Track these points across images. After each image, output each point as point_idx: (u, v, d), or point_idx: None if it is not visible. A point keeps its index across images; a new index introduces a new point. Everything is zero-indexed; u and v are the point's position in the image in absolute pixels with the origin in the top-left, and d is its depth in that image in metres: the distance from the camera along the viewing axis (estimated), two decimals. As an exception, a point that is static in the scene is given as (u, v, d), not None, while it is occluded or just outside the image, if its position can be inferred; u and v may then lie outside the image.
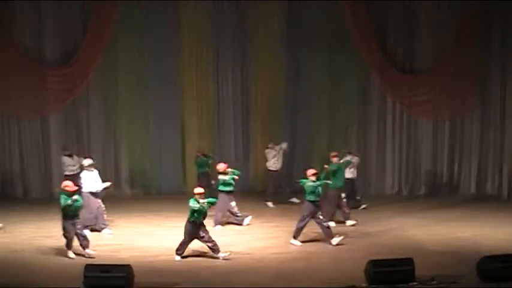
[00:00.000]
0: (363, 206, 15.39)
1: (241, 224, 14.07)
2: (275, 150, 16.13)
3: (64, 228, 11.70)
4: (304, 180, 12.55)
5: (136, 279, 10.17)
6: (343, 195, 14.09)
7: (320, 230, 12.66)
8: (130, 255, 11.81)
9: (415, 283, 10.22)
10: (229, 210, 14.10)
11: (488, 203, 16.29)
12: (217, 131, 17.80)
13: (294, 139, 17.63)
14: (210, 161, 16.10)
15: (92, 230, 13.18)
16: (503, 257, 10.50)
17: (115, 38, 16.90)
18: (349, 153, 15.41)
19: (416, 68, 17.31)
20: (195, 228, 11.61)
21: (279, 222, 14.40)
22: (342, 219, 14.08)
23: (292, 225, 13.46)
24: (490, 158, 17.41)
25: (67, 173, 15.09)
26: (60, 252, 11.89)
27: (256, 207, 15.68)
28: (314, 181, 12.45)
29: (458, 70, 16.93)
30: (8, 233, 13.45)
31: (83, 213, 12.53)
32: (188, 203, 11.65)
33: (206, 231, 11.73)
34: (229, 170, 14.14)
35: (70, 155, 15.32)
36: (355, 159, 15.34)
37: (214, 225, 13.73)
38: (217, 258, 11.67)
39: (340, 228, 13.71)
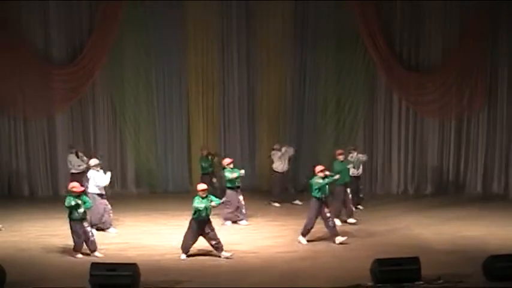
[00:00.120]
0: (360, 207, 15.30)
1: (236, 222, 14.06)
2: (281, 152, 16.10)
3: (74, 232, 11.69)
4: (313, 178, 12.56)
5: (142, 278, 10.20)
6: (348, 190, 14.07)
7: (325, 227, 12.63)
8: (137, 254, 11.84)
9: (421, 282, 10.20)
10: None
11: (494, 202, 16.25)
12: (223, 131, 17.81)
13: (300, 139, 17.63)
14: (213, 162, 16.09)
15: (97, 229, 13.22)
16: (509, 256, 10.47)
17: (121, 37, 16.95)
18: (355, 149, 15.41)
19: (423, 66, 17.29)
20: (200, 225, 11.60)
21: (284, 221, 14.41)
22: (344, 217, 14.05)
23: (298, 224, 13.50)
24: (496, 157, 17.38)
25: (73, 171, 15.18)
26: (67, 251, 11.93)
27: (261, 206, 15.71)
28: (322, 178, 12.45)
29: (465, 69, 16.92)
30: (15, 231, 13.51)
31: (89, 213, 12.55)
32: (193, 201, 11.65)
33: (212, 228, 11.72)
34: (237, 174, 14.09)
35: (76, 154, 15.37)
36: (361, 157, 15.30)
37: (224, 222, 13.78)
38: (219, 256, 11.66)
39: (346, 227, 13.72)
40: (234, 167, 14.22)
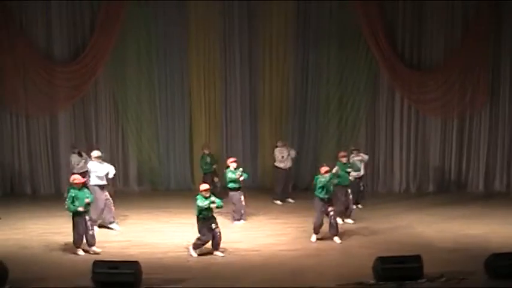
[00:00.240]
0: (359, 206, 15.27)
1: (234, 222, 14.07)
2: (284, 149, 16.08)
3: (75, 226, 11.71)
4: (318, 177, 12.58)
5: (145, 276, 10.21)
6: (349, 191, 14.08)
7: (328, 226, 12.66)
8: (139, 252, 11.84)
9: (424, 280, 10.21)
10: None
11: (496, 201, 16.24)
12: (225, 129, 17.81)
13: (302, 137, 17.63)
14: (214, 165, 16.09)
15: (100, 226, 13.23)
16: (511, 255, 10.45)
17: (124, 36, 16.97)
18: (357, 150, 15.41)
19: (425, 65, 17.27)
20: (207, 223, 11.59)
21: (287, 219, 14.42)
22: (344, 216, 14.04)
23: (301, 222, 13.59)
24: (498, 155, 17.38)
25: (75, 171, 15.16)
26: (69, 249, 11.94)
27: (264, 204, 15.71)
28: (326, 177, 12.47)
29: (467, 68, 16.91)
30: (17, 229, 13.53)
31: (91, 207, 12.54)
32: (196, 201, 11.64)
33: (216, 225, 11.71)
34: (241, 177, 14.08)
35: (79, 153, 15.38)
36: (363, 156, 15.31)
37: (233, 222, 13.86)
38: (211, 253, 11.65)
39: (349, 225, 13.73)
40: (237, 166, 14.18)
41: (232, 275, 10.69)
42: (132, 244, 12.50)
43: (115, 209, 13.62)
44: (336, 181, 12.87)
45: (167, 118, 17.57)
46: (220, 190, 15.18)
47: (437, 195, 17.06)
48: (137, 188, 17.68)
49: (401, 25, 17.15)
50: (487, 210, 15.22)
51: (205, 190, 11.67)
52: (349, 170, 13.99)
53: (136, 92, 17.42)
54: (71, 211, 11.67)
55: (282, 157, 16.04)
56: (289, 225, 13.87)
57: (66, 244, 12.16)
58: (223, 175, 14.47)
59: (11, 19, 16.48)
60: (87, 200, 11.74)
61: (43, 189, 17.22)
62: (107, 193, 13.43)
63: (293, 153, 16.25)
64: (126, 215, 14.38)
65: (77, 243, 11.77)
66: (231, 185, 14.02)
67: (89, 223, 11.80)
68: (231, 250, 11.93)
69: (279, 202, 16.02)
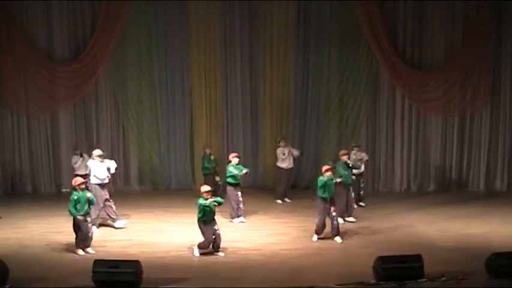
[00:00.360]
0: (361, 204, 15.30)
1: (231, 220, 14.08)
2: (285, 150, 16.08)
3: (76, 227, 11.71)
4: (319, 177, 12.59)
5: (146, 275, 10.20)
6: (351, 189, 14.07)
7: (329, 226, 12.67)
8: (140, 251, 11.85)
9: (424, 280, 10.20)
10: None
11: (497, 200, 16.24)
12: (226, 129, 17.83)
13: (303, 137, 17.65)
14: (215, 166, 16.09)
15: (100, 225, 13.24)
16: (512, 254, 10.47)
17: (124, 35, 17.00)
18: (357, 147, 15.41)
19: (426, 65, 17.29)
20: (209, 224, 11.60)
21: (288, 218, 14.42)
22: (345, 215, 14.04)
23: (302, 222, 13.59)
24: (499, 155, 17.40)
25: (77, 172, 15.15)
26: (70, 248, 11.95)
27: (265, 203, 15.72)
28: (327, 177, 12.48)
29: (467, 67, 16.93)
30: (18, 228, 13.54)
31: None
32: (196, 202, 11.63)
33: (218, 227, 11.73)
34: (244, 171, 14.06)
35: (80, 155, 15.39)
36: (363, 156, 15.31)
37: (231, 220, 13.83)
38: (212, 253, 11.64)
39: (350, 224, 13.73)
40: (239, 163, 14.15)
41: (232, 274, 10.69)
42: (133, 243, 12.50)
43: (116, 208, 13.60)
44: (338, 180, 12.80)
45: (168, 117, 17.59)
46: (223, 190, 15.15)
47: (438, 194, 17.06)
48: (138, 188, 17.70)
49: (402, 25, 17.17)
50: (487, 209, 15.22)
51: (206, 192, 11.64)
52: (349, 162, 13.98)
53: (137, 92, 17.44)
54: (72, 215, 11.66)
55: (284, 154, 16.02)
56: (289, 224, 13.87)
57: (67, 243, 12.16)
58: (225, 170, 14.41)
59: (11, 19, 16.51)
60: (89, 211, 11.76)
61: (44, 189, 17.25)
62: (106, 192, 13.42)
63: (296, 153, 16.24)
64: (127, 214, 14.37)
65: (78, 244, 11.78)
66: (230, 179, 14.01)
67: (89, 225, 11.81)
68: (231, 249, 11.93)
69: (279, 201, 16.02)
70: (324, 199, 12.48)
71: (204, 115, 17.71)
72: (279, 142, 16.27)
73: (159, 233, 13.28)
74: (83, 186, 11.85)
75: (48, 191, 17.17)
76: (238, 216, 14.08)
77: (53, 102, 16.94)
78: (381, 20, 16.73)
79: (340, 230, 12.71)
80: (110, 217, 13.46)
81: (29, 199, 16.50)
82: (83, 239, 11.73)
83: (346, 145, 16.14)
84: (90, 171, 13.38)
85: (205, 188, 11.81)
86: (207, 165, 16.04)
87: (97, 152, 13.63)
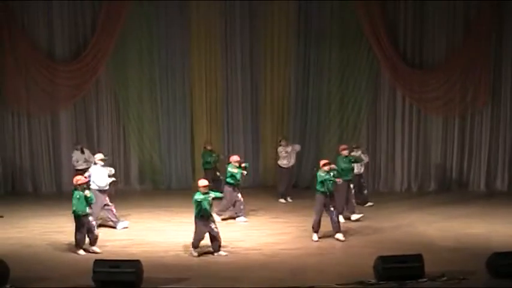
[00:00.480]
0: (370, 203, 15.35)
1: (234, 218, 14.08)
2: (287, 148, 16.09)
3: (78, 227, 11.71)
4: (318, 172, 12.59)
5: (146, 275, 10.21)
6: (352, 186, 14.08)
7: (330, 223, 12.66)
8: (140, 251, 11.86)
9: (425, 279, 10.19)
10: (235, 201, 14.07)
11: (498, 200, 16.24)
12: (226, 129, 17.84)
13: (304, 137, 17.65)
14: (216, 160, 16.11)
15: (100, 226, 13.24)
16: (513, 254, 10.47)
17: (125, 35, 17.03)
18: (358, 147, 15.43)
19: (427, 64, 17.29)
20: (205, 221, 11.59)
21: (288, 218, 14.42)
22: (347, 213, 14.04)
23: (302, 221, 13.54)
24: (499, 154, 17.40)
25: (78, 167, 15.22)
26: (71, 248, 11.95)
27: (265, 203, 15.73)
28: (326, 171, 12.46)
29: (468, 67, 16.93)
30: (19, 228, 13.55)
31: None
32: (193, 198, 11.61)
33: (215, 224, 11.71)
34: (243, 164, 14.09)
35: (81, 150, 15.41)
36: (364, 157, 15.32)
37: (217, 213, 13.80)
38: (212, 253, 11.63)
39: (350, 223, 13.73)
40: (239, 166, 14.15)
41: (233, 274, 10.69)
42: (134, 243, 12.51)
43: (116, 209, 13.60)
44: (338, 180, 12.80)
45: (168, 117, 17.59)
46: (223, 185, 15.10)
47: (438, 194, 17.06)
48: (138, 187, 17.71)
49: (402, 25, 17.16)
50: (488, 209, 15.21)
51: (203, 186, 11.59)
52: (354, 154, 13.95)
53: (138, 92, 17.46)
54: (76, 212, 11.63)
55: (286, 152, 16.01)
56: (290, 224, 13.88)
57: (68, 243, 12.17)
58: (225, 169, 14.41)
59: (12, 19, 16.52)
60: (89, 210, 11.75)
61: (44, 188, 17.27)
62: (107, 198, 13.38)
63: (297, 146, 16.26)
64: (128, 214, 14.38)
65: (79, 244, 11.78)
66: (229, 179, 13.98)
67: (92, 223, 11.82)
68: (232, 249, 11.92)
69: (282, 201, 16.03)
70: (323, 193, 12.44)
71: (204, 115, 17.72)
72: (280, 141, 16.28)
73: (160, 232, 13.29)
74: (84, 185, 11.85)
75: (49, 190, 17.20)
76: (239, 216, 14.08)
77: (53, 101, 16.97)
78: (381, 20, 16.75)
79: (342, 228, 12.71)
80: (111, 220, 13.46)
81: (30, 198, 16.52)
82: (81, 240, 11.72)
83: (347, 145, 16.15)
84: (90, 176, 13.28)
85: (202, 182, 11.73)
86: (208, 159, 16.06)
87: (99, 155, 13.62)
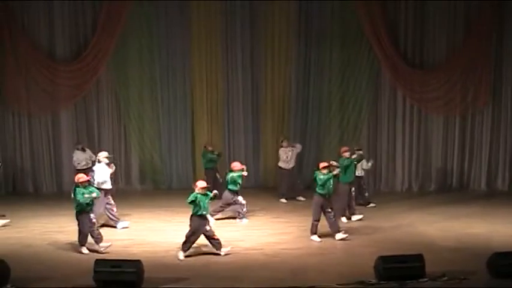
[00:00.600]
0: (372, 204, 15.36)
1: (234, 218, 14.07)
2: (288, 149, 16.08)
3: (80, 224, 11.73)
4: (317, 173, 12.58)
5: (147, 274, 10.21)
6: (353, 189, 14.09)
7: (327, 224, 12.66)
8: (141, 250, 11.86)
9: (425, 279, 10.19)
10: (235, 202, 14.03)
11: (498, 200, 16.24)
12: (227, 129, 17.84)
13: (304, 137, 17.65)
14: (217, 159, 16.11)
15: (102, 226, 13.25)
16: (514, 254, 10.46)
17: (126, 35, 17.04)
18: (359, 150, 15.41)
19: (427, 64, 17.30)
20: (201, 221, 11.54)
21: (289, 218, 14.42)
22: (348, 214, 14.06)
23: (303, 221, 13.54)
24: (500, 154, 17.41)
25: (79, 167, 15.22)
26: (72, 247, 11.96)
27: (266, 203, 15.73)
28: (325, 174, 12.46)
29: (469, 67, 16.93)
30: (20, 227, 13.56)
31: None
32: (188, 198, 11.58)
33: (209, 226, 11.67)
34: (244, 173, 14.06)
35: (82, 149, 15.42)
36: (366, 165, 15.30)
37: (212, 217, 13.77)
38: (219, 254, 11.60)
39: (351, 223, 13.74)
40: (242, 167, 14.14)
41: (233, 274, 10.69)
42: (134, 243, 12.51)
43: (117, 209, 13.60)
44: (335, 172, 12.75)
45: (169, 117, 17.61)
46: (223, 188, 15.10)
47: (439, 194, 17.07)
48: (139, 187, 17.73)
49: (403, 25, 17.17)
50: (489, 209, 15.21)
51: (202, 188, 11.50)
52: (354, 160, 13.94)
53: (139, 91, 17.47)
54: (82, 202, 11.60)
55: (287, 157, 16.04)
56: (291, 224, 13.88)
57: (69, 243, 12.18)
58: (225, 174, 14.41)
59: (13, 19, 16.55)
60: (93, 195, 11.73)
61: (45, 188, 17.29)
62: (109, 197, 13.40)
63: (299, 146, 16.26)
64: (128, 214, 14.39)
65: (82, 241, 11.78)
66: (231, 186, 13.89)
67: (94, 220, 11.83)
68: (232, 249, 11.91)
69: (284, 200, 16.03)
70: (321, 195, 12.44)
71: (205, 115, 17.72)
72: (282, 142, 16.28)
73: (161, 232, 13.29)
74: (86, 184, 11.85)
75: (50, 190, 17.23)
76: (241, 218, 14.07)
77: (54, 101, 16.99)
78: (382, 20, 16.75)
79: (341, 228, 12.70)
80: (111, 220, 13.45)
81: (31, 198, 16.53)
82: (84, 237, 11.73)
83: (348, 145, 16.12)
84: (93, 175, 13.28)
85: (201, 183, 11.66)
86: (210, 156, 16.06)
87: (103, 153, 13.63)
